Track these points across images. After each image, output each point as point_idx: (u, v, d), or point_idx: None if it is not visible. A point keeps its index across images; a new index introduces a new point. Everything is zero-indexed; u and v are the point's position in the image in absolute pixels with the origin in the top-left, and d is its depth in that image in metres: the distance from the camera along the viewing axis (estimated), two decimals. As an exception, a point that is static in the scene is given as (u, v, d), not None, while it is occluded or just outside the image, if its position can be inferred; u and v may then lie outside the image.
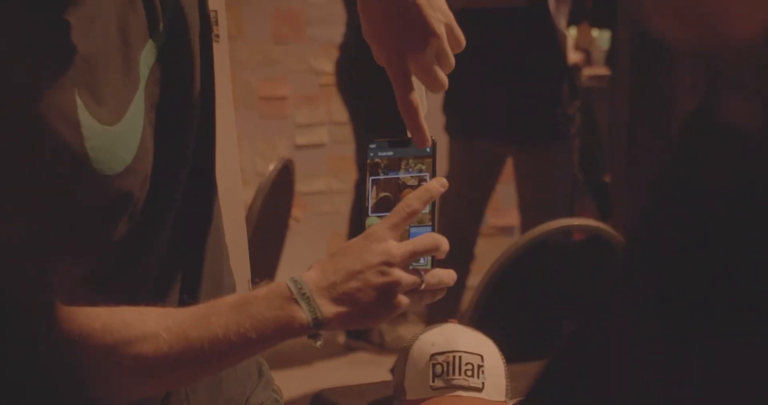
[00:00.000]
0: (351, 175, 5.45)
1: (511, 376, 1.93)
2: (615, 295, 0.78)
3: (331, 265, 1.44)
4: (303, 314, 1.41)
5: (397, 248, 1.44)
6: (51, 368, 1.41)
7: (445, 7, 1.54)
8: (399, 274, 1.43)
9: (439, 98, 4.55)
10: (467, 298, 3.33)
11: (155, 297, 1.49)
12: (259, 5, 5.69)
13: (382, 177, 1.54)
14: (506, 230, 5.79)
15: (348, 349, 5.09)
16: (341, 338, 5.12)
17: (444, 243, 1.47)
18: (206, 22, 1.60)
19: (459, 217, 4.37)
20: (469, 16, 4.02)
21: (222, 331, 1.39)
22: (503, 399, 1.90)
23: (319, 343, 1.44)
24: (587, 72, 5.83)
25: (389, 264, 1.43)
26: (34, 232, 1.37)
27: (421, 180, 1.52)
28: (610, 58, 5.65)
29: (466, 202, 4.39)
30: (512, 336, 2.22)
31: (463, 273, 4.33)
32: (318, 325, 1.41)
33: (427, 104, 1.56)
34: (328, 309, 1.42)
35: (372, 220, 1.52)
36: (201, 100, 1.57)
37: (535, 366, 0.85)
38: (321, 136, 5.84)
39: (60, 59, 1.40)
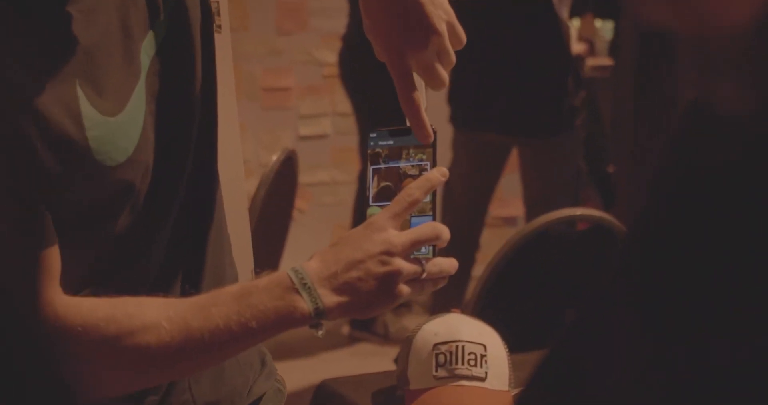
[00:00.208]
0: (354, 166, 5.45)
1: (514, 366, 1.93)
2: (615, 286, 0.79)
3: (332, 255, 1.44)
4: (304, 304, 1.41)
5: (398, 237, 1.44)
6: (51, 361, 1.42)
7: (446, 4, 1.54)
8: (400, 263, 1.43)
9: (443, 90, 4.54)
10: (471, 288, 3.33)
11: (157, 288, 1.50)
12: (262, -3, 5.70)
13: (383, 166, 1.54)
14: (510, 220, 5.79)
15: (352, 340, 5.09)
16: (345, 329, 5.13)
17: (445, 232, 1.47)
18: (207, 13, 1.60)
19: (464, 208, 4.37)
20: (474, 7, 4.02)
21: (223, 322, 1.39)
22: (506, 388, 1.90)
23: (320, 332, 1.44)
24: (590, 62, 5.83)
25: (390, 253, 1.43)
26: (35, 223, 1.37)
27: (422, 169, 1.52)
28: (613, 48, 5.65)
29: (471, 193, 4.39)
30: (515, 326, 2.23)
31: (468, 263, 4.34)
32: (319, 314, 1.41)
33: (426, 100, 1.56)
34: (330, 298, 1.42)
35: (373, 209, 1.52)
36: (202, 90, 1.57)
37: (538, 355, 0.86)
38: (324, 127, 5.84)
39: (61, 51, 1.40)
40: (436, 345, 1.89)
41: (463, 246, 4.32)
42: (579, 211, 3.24)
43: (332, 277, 1.42)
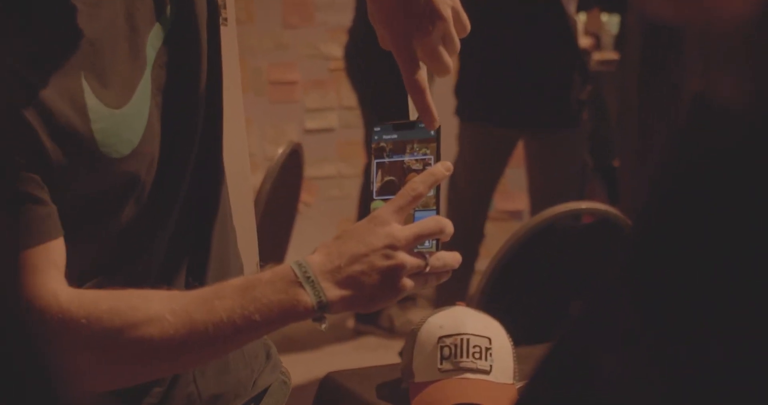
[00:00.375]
0: (360, 159, 5.46)
1: (518, 359, 1.93)
2: (618, 280, 0.79)
3: (335, 249, 1.44)
4: (307, 297, 1.41)
5: (402, 231, 1.44)
6: (55, 354, 1.42)
7: None
8: (403, 257, 1.43)
9: (450, 82, 4.55)
10: (476, 282, 3.33)
11: (162, 280, 1.50)
12: (268, -10, 5.70)
13: (387, 160, 1.54)
14: (515, 214, 5.79)
15: (357, 333, 5.09)
16: (350, 323, 5.13)
17: (448, 226, 1.47)
18: (214, 5, 1.60)
19: (468, 200, 4.37)
20: (482, 0, 4.03)
21: (227, 315, 1.39)
22: (511, 381, 1.90)
23: (323, 326, 1.44)
24: (596, 57, 5.83)
25: (394, 247, 1.43)
26: (41, 214, 1.38)
27: (426, 164, 1.52)
28: (619, 42, 5.65)
29: (475, 186, 4.39)
30: (520, 319, 2.23)
31: (471, 256, 4.34)
32: (323, 308, 1.41)
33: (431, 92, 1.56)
34: (333, 292, 1.42)
35: (377, 203, 1.52)
36: (208, 83, 1.57)
37: (543, 349, 0.86)
38: (330, 120, 5.84)
39: (66, 43, 1.41)
40: (440, 338, 1.89)
41: (467, 238, 4.32)
42: (584, 204, 3.24)
43: (336, 271, 1.42)
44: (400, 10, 1.51)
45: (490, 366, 1.88)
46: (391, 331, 5.00)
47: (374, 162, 1.55)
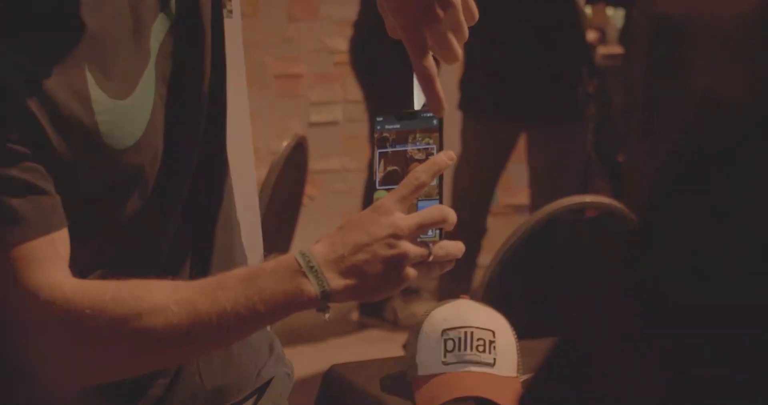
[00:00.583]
0: (365, 153, 5.45)
1: (522, 352, 1.93)
2: (624, 275, 0.79)
3: (339, 238, 1.44)
4: (311, 287, 1.41)
5: (405, 221, 1.44)
6: (59, 344, 1.42)
7: None
8: (406, 246, 1.43)
9: (455, 75, 4.55)
10: (479, 275, 3.33)
11: (166, 271, 1.50)
12: (273, -16, 5.69)
13: (389, 150, 1.55)
14: (519, 209, 5.79)
15: (361, 326, 5.09)
16: (354, 315, 5.13)
17: (451, 215, 1.47)
18: None
19: (471, 195, 4.37)
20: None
21: (230, 305, 1.39)
22: (514, 374, 1.90)
23: (327, 315, 1.44)
24: (601, 51, 5.82)
25: (397, 236, 1.43)
26: (45, 205, 1.38)
27: (429, 153, 1.52)
28: (624, 36, 5.64)
29: (478, 180, 4.39)
30: (524, 312, 2.23)
31: (474, 249, 4.34)
32: (326, 297, 1.41)
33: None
34: (336, 282, 1.42)
35: (380, 193, 1.52)
36: (212, 75, 1.57)
37: (547, 342, 0.86)
38: (335, 114, 5.83)
39: (69, 35, 1.41)
40: (444, 331, 1.90)
41: (470, 231, 4.32)
42: (589, 198, 3.24)
43: (339, 260, 1.42)
44: None
45: (494, 359, 1.88)
46: (394, 324, 5.00)
47: (377, 152, 1.55)
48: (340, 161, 5.83)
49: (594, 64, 4.44)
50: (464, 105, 4.41)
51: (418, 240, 1.45)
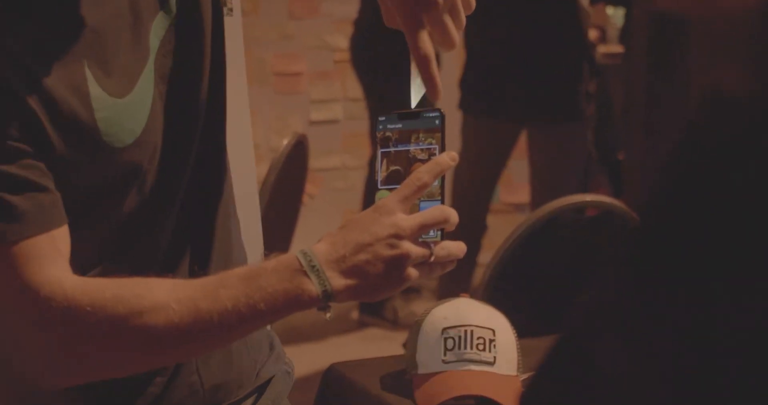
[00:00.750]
0: (365, 151, 5.45)
1: (522, 351, 1.93)
2: (626, 273, 0.79)
3: (340, 238, 1.44)
4: (312, 287, 1.41)
5: (407, 221, 1.44)
6: (58, 341, 1.42)
7: None
8: (408, 246, 1.43)
9: (454, 74, 4.55)
10: (479, 273, 3.34)
11: (166, 268, 1.50)
12: (273, -19, 5.69)
13: (392, 150, 1.54)
14: (519, 207, 5.79)
15: (361, 325, 5.09)
16: (354, 314, 5.13)
17: (453, 215, 1.47)
18: None
19: (471, 193, 4.37)
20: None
21: (231, 303, 1.39)
22: (514, 373, 1.90)
23: (328, 315, 1.44)
24: (602, 49, 5.82)
25: (398, 237, 1.43)
26: (45, 202, 1.38)
27: (431, 153, 1.52)
28: (625, 35, 5.64)
29: (478, 178, 4.39)
30: (524, 311, 2.23)
31: (474, 247, 4.34)
32: (327, 297, 1.41)
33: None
34: (338, 281, 1.42)
35: (382, 193, 1.52)
36: (211, 73, 1.57)
37: (547, 341, 0.86)
38: (335, 112, 5.83)
39: (69, 31, 1.41)
40: (444, 329, 1.90)
41: (470, 230, 4.32)
42: (589, 197, 3.24)
43: (341, 260, 1.42)
44: None
45: (494, 357, 1.88)
46: (395, 323, 5.00)
47: (379, 151, 1.55)
48: (340, 159, 5.83)
49: (595, 63, 4.44)
50: (464, 104, 4.41)
51: (420, 240, 1.45)
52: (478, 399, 1.85)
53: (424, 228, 1.45)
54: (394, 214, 1.44)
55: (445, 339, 1.89)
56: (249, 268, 1.44)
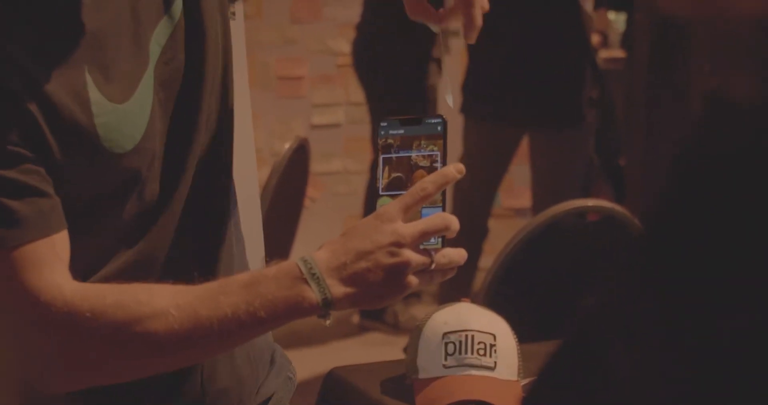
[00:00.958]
0: (367, 155, 5.45)
1: (523, 356, 1.93)
2: (631, 277, 0.79)
3: (341, 245, 1.44)
4: (313, 294, 1.41)
5: (407, 228, 1.44)
6: (58, 347, 1.42)
7: None
8: (409, 254, 1.43)
9: (457, 79, 4.54)
10: (480, 278, 3.33)
11: (167, 275, 1.50)
12: (276, -15, 5.69)
13: (393, 156, 1.54)
14: (521, 212, 5.79)
15: (362, 329, 5.09)
16: (355, 318, 5.13)
17: (454, 222, 1.47)
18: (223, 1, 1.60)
19: (472, 197, 4.37)
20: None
21: (231, 310, 1.39)
22: (515, 378, 1.90)
23: (328, 322, 1.44)
24: (603, 54, 5.82)
25: (399, 244, 1.43)
26: (45, 207, 1.38)
27: (433, 160, 1.52)
28: (626, 40, 5.64)
29: (479, 183, 4.39)
30: (525, 316, 2.23)
31: (475, 252, 4.33)
32: (328, 305, 1.41)
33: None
34: (338, 289, 1.42)
35: (383, 199, 1.52)
36: (217, 79, 1.57)
37: (548, 346, 0.86)
38: (337, 116, 5.83)
39: (69, 36, 1.41)
40: (445, 334, 1.89)
41: (471, 234, 4.32)
42: (591, 202, 3.24)
43: (341, 268, 1.42)
44: None
45: (495, 362, 1.88)
46: (395, 327, 5.00)
47: (381, 157, 1.55)
48: (342, 163, 5.83)
49: (597, 68, 4.44)
50: (467, 109, 4.41)
51: (421, 247, 1.45)
52: (479, 404, 1.85)
53: (425, 235, 1.45)
54: (395, 222, 1.44)
55: (446, 344, 1.88)
56: (249, 275, 1.44)
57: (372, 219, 1.46)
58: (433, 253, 1.46)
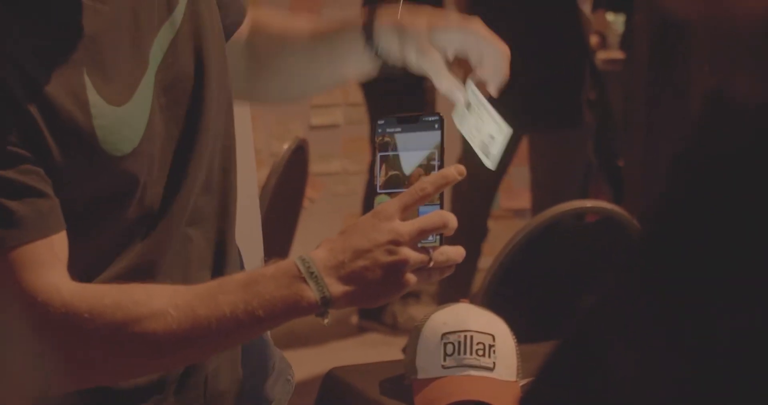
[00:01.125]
0: (365, 156, 5.45)
1: (522, 357, 1.93)
2: (630, 278, 0.79)
3: (339, 244, 1.44)
4: (311, 293, 1.41)
5: (405, 227, 1.44)
6: (57, 347, 1.42)
7: None
8: (407, 252, 1.43)
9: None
10: (479, 279, 3.33)
11: (167, 280, 1.50)
12: (275, -14, 5.69)
13: (390, 154, 1.54)
14: (520, 213, 5.79)
15: (360, 330, 5.09)
16: (354, 319, 5.13)
17: (452, 220, 1.47)
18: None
19: (471, 198, 4.37)
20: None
21: (230, 310, 1.39)
22: (514, 379, 1.90)
23: (326, 321, 1.44)
24: (602, 56, 5.82)
25: (397, 243, 1.43)
26: (44, 207, 1.38)
27: (430, 158, 1.52)
28: (625, 41, 5.64)
29: (479, 183, 4.39)
30: (523, 316, 2.23)
31: (474, 253, 4.34)
32: (326, 303, 1.42)
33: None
34: (336, 288, 1.42)
35: (381, 197, 1.52)
36: (218, 82, 1.57)
37: (547, 346, 0.86)
38: (336, 117, 5.83)
39: (69, 39, 1.41)
40: (444, 334, 1.89)
41: (471, 235, 4.32)
42: (589, 203, 3.24)
43: (339, 266, 1.42)
44: None
45: (494, 363, 1.88)
46: (394, 328, 5.00)
47: (378, 155, 1.55)
48: (340, 164, 5.83)
49: (596, 69, 4.44)
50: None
51: (419, 245, 1.45)
52: (478, 404, 1.85)
53: (423, 233, 1.45)
54: (393, 220, 1.44)
55: (445, 344, 1.88)
56: (248, 274, 1.44)
57: (370, 217, 1.46)
58: (431, 250, 1.46)
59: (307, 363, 4.03)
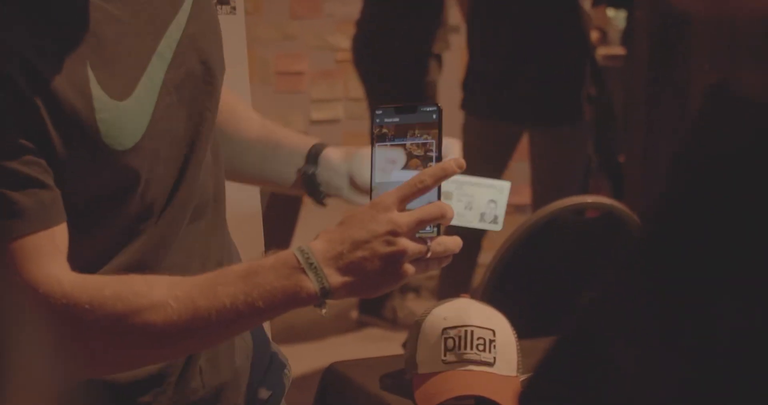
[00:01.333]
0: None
1: (522, 352, 1.93)
2: (629, 273, 0.79)
3: (338, 235, 1.45)
4: (310, 284, 1.41)
5: (403, 217, 1.44)
6: (58, 338, 1.42)
7: None
8: (405, 243, 1.44)
9: (457, 75, 4.54)
10: (479, 274, 3.33)
11: (166, 271, 1.50)
12: (276, -19, 5.69)
13: (388, 144, 1.54)
14: (520, 208, 5.79)
15: (360, 325, 5.09)
16: (353, 313, 5.13)
17: (449, 210, 1.47)
18: None
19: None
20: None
21: (229, 301, 1.40)
22: (514, 374, 1.90)
23: (324, 311, 1.45)
24: (603, 52, 5.82)
25: (395, 233, 1.43)
26: (46, 199, 1.38)
27: (427, 149, 1.52)
28: (626, 37, 5.64)
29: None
30: (524, 311, 2.23)
31: (475, 247, 4.34)
32: (325, 294, 1.42)
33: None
34: (335, 278, 1.42)
35: (379, 189, 1.52)
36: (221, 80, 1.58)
37: (547, 342, 0.86)
38: (336, 111, 5.84)
39: (73, 34, 1.41)
40: (445, 329, 1.90)
41: (471, 231, 4.31)
42: (590, 198, 3.24)
43: (338, 257, 1.43)
44: None
45: (494, 358, 1.88)
46: (394, 323, 5.00)
47: (376, 146, 1.55)
48: (341, 159, 5.83)
49: (596, 65, 4.45)
50: (467, 105, 4.41)
51: (417, 236, 1.45)
52: (478, 399, 1.85)
53: (421, 224, 1.45)
54: (391, 211, 1.45)
55: (445, 339, 1.88)
56: (247, 266, 1.44)
57: (368, 208, 1.46)
58: (429, 241, 1.46)
59: (306, 358, 4.03)
